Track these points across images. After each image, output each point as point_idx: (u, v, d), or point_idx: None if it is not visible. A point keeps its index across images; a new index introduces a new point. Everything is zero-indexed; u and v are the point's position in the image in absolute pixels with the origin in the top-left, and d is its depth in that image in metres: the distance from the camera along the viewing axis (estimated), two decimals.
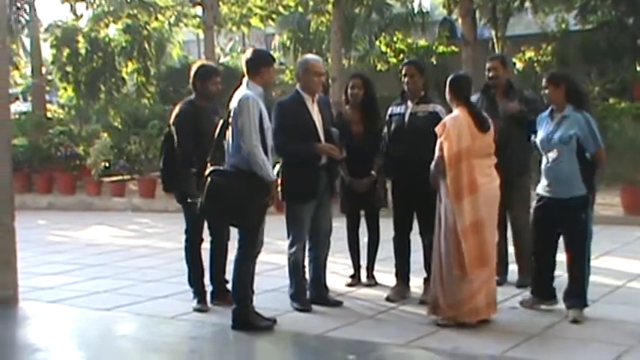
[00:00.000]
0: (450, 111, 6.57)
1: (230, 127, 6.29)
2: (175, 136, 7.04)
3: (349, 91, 7.69)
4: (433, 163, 6.33)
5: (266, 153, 6.25)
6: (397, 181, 7.30)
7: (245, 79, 6.44)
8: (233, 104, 6.30)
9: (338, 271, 8.17)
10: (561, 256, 6.55)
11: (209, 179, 6.20)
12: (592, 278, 6.95)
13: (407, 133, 7.09)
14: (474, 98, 7.62)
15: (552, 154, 6.36)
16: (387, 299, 7.21)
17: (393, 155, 7.23)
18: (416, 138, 6.79)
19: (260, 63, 6.43)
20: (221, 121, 6.41)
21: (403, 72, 7.25)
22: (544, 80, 6.58)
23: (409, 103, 7.21)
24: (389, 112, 7.39)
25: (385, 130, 7.40)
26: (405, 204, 7.19)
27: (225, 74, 7.51)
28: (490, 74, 7.64)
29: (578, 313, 6.32)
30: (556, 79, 6.48)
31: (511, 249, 7.73)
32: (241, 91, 6.35)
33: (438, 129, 6.28)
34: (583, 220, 6.29)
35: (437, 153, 6.28)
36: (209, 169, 6.27)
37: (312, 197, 6.93)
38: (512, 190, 7.34)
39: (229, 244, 7.15)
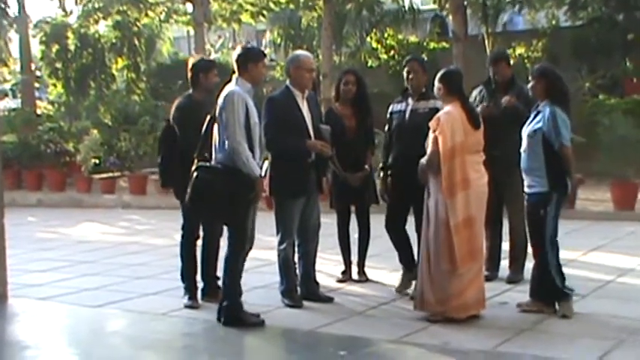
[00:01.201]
0: None
1: (217, 123, 6.29)
2: (178, 132, 7.05)
3: (342, 87, 7.69)
4: (425, 158, 6.31)
5: (252, 149, 6.25)
6: (398, 177, 7.29)
7: (234, 76, 6.44)
8: (220, 100, 6.31)
9: (329, 268, 8.16)
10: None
11: (195, 175, 6.22)
12: (582, 273, 6.99)
13: (408, 130, 7.10)
14: (476, 90, 7.69)
15: (523, 147, 6.40)
16: (397, 291, 7.30)
17: (395, 153, 7.25)
18: (417, 134, 6.73)
19: (248, 59, 6.42)
20: (208, 117, 6.41)
21: (406, 69, 7.26)
22: (529, 74, 6.61)
23: (410, 100, 7.23)
24: (389, 109, 7.41)
25: (387, 128, 7.41)
26: (402, 200, 7.18)
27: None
28: (496, 77, 7.66)
29: (565, 307, 6.29)
30: (538, 72, 6.49)
31: (506, 246, 7.73)
32: (228, 87, 6.37)
33: (431, 124, 6.26)
34: (541, 216, 6.28)
35: (431, 147, 6.26)
36: (195, 164, 6.29)
37: (302, 194, 6.93)
38: (507, 186, 7.37)
39: (221, 241, 7.14)
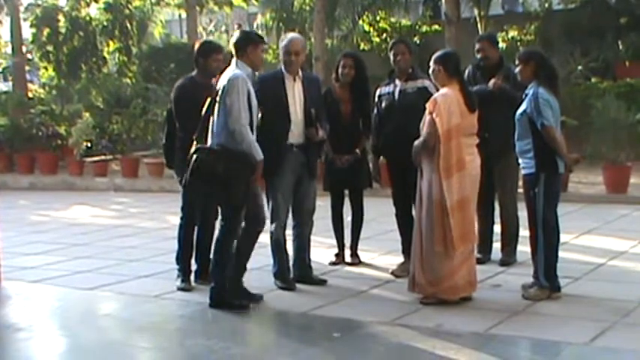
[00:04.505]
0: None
1: (217, 106, 6.27)
2: (173, 111, 7.08)
3: (340, 70, 7.66)
4: (421, 139, 6.28)
5: (252, 131, 6.24)
6: (391, 158, 7.29)
7: (234, 60, 6.44)
8: (222, 83, 6.29)
9: (322, 250, 8.17)
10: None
11: (195, 157, 6.20)
12: (575, 256, 6.99)
13: (398, 110, 7.12)
14: (466, 70, 7.70)
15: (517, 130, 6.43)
16: (392, 274, 7.27)
17: (386, 133, 7.24)
18: (407, 114, 6.75)
19: (245, 43, 6.43)
20: (208, 100, 6.38)
21: (393, 51, 7.30)
22: (516, 58, 6.58)
23: (397, 81, 7.27)
24: (377, 93, 7.44)
25: (375, 111, 7.41)
26: (401, 180, 7.18)
27: None
28: (480, 55, 7.65)
29: (534, 292, 6.28)
30: (525, 56, 6.48)
31: (498, 228, 7.74)
32: (231, 71, 6.34)
33: (428, 105, 6.23)
34: (531, 197, 6.30)
35: (426, 129, 6.24)
36: (194, 146, 6.27)
37: (274, 174, 6.82)
38: (498, 168, 7.38)
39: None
